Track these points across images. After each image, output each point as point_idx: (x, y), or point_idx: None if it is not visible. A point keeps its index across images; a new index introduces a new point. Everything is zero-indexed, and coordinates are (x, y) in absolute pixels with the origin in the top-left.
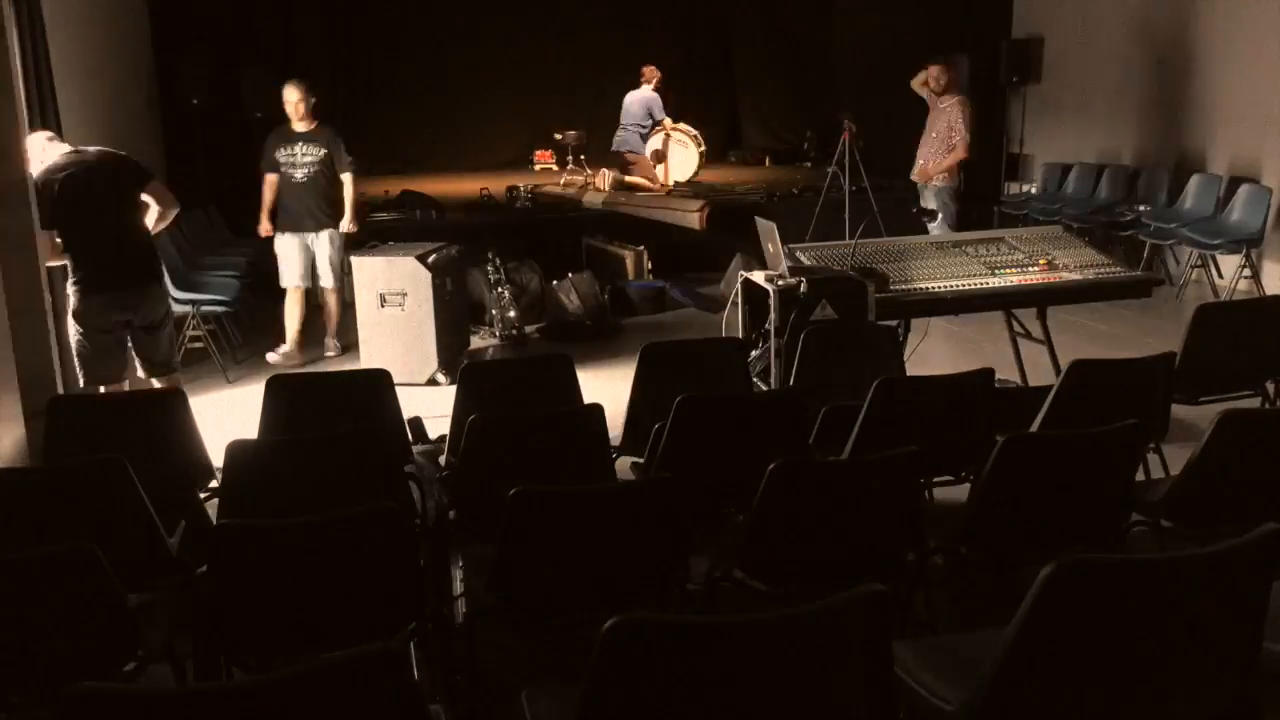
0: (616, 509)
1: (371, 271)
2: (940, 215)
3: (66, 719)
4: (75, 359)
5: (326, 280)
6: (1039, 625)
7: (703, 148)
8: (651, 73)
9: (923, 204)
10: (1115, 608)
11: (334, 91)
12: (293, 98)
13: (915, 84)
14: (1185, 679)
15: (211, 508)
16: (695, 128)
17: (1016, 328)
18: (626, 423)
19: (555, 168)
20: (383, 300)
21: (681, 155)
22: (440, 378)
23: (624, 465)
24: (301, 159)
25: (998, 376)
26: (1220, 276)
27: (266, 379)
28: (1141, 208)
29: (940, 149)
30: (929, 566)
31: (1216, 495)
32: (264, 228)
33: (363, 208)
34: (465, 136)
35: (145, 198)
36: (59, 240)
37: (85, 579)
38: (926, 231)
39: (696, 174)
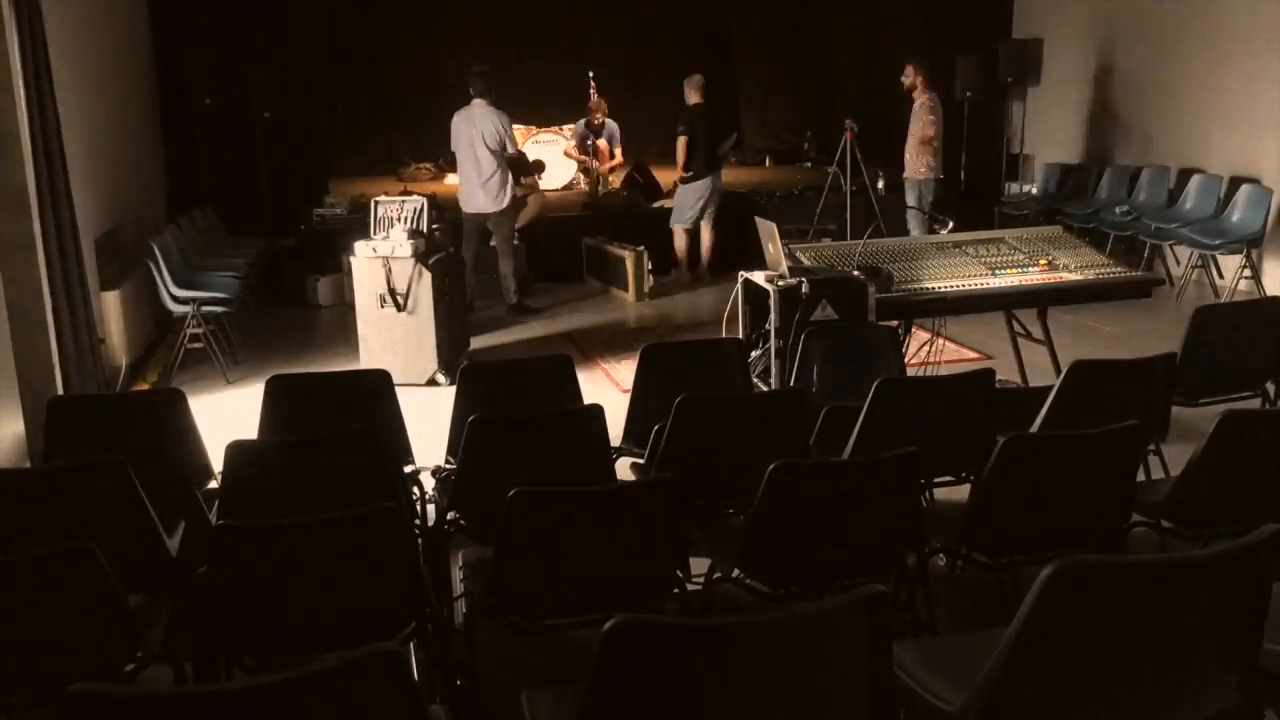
0: (616, 509)
1: (371, 271)
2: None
3: (66, 719)
4: None
5: None
6: (1039, 625)
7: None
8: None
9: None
10: (1115, 608)
11: (335, 90)
12: None
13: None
14: (1185, 679)
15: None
16: None
17: (1016, 328)
18: (626, 423)
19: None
20: (382, 300)
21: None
22: (440, 378)
23: (624, 465)
24: None
25: (998, 376)
26: (1220, 277)
27: (266, 379)
28: (1139, 204)
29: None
30: (929, 566)
31: (1217, 496)
32: None
33: None
34: None
35: None
36: None
37: (85, 579)
38: (933, 232)
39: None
